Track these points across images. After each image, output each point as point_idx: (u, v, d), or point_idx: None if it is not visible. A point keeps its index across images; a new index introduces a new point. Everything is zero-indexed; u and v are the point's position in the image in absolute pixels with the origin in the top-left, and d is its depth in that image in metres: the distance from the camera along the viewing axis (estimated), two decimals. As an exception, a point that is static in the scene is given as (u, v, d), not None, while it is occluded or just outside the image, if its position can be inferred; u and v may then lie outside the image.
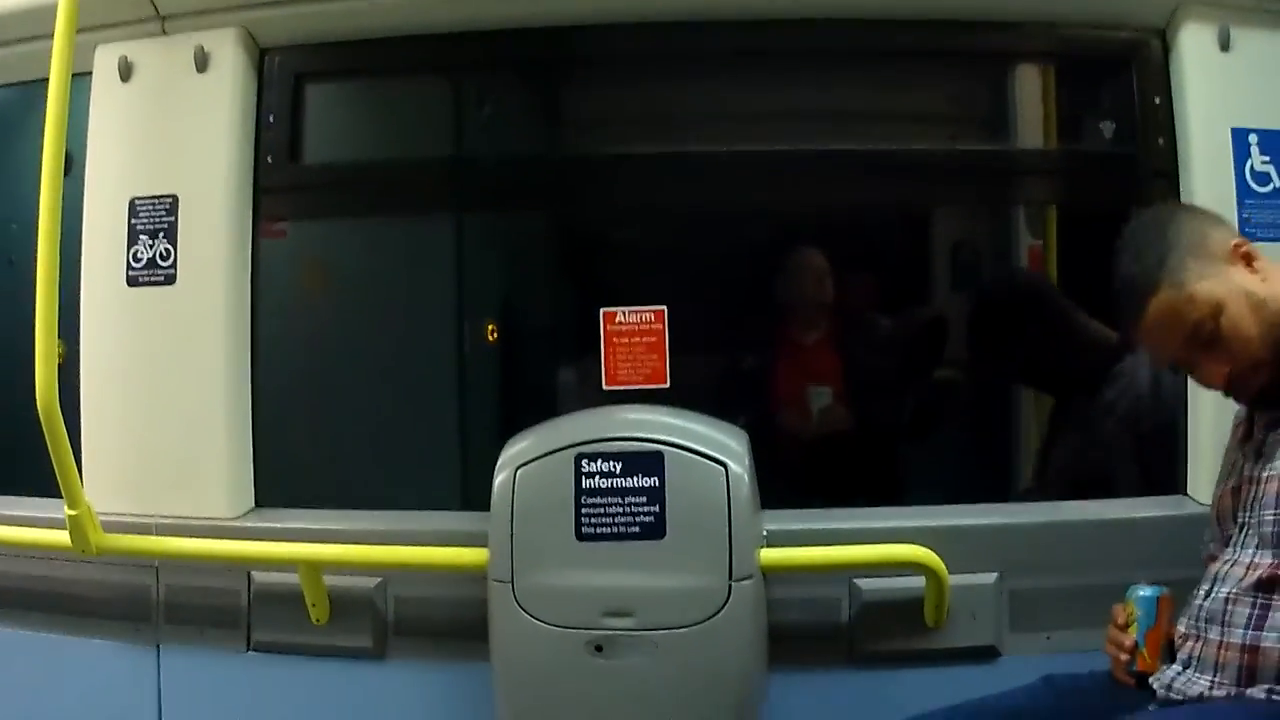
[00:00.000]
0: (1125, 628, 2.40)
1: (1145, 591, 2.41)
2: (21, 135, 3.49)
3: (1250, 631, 2.12)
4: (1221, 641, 2.17)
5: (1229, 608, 2.17)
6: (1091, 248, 3.14)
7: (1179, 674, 2.25)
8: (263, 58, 3.26)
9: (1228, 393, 2.33)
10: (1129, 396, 3.26)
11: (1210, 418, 2.95)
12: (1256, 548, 2.19)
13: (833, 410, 3.66)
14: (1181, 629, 2.31)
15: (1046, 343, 3.45)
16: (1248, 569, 2.18)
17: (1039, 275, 3.69)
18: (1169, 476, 3.15)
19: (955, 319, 3.72)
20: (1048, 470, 3.49)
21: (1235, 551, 2.25)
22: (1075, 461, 3.37)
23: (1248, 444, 2.36)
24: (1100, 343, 3.35)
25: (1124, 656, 2.38)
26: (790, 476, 3.47)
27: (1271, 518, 2.17)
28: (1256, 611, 2.13)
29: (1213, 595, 2.23)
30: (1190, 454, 3.07)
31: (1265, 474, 2.23)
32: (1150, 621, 2.38)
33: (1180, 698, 2.22)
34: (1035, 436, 3.66)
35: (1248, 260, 2.27)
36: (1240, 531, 2.27)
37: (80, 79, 3.02)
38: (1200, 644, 2.22)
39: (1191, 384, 2.99)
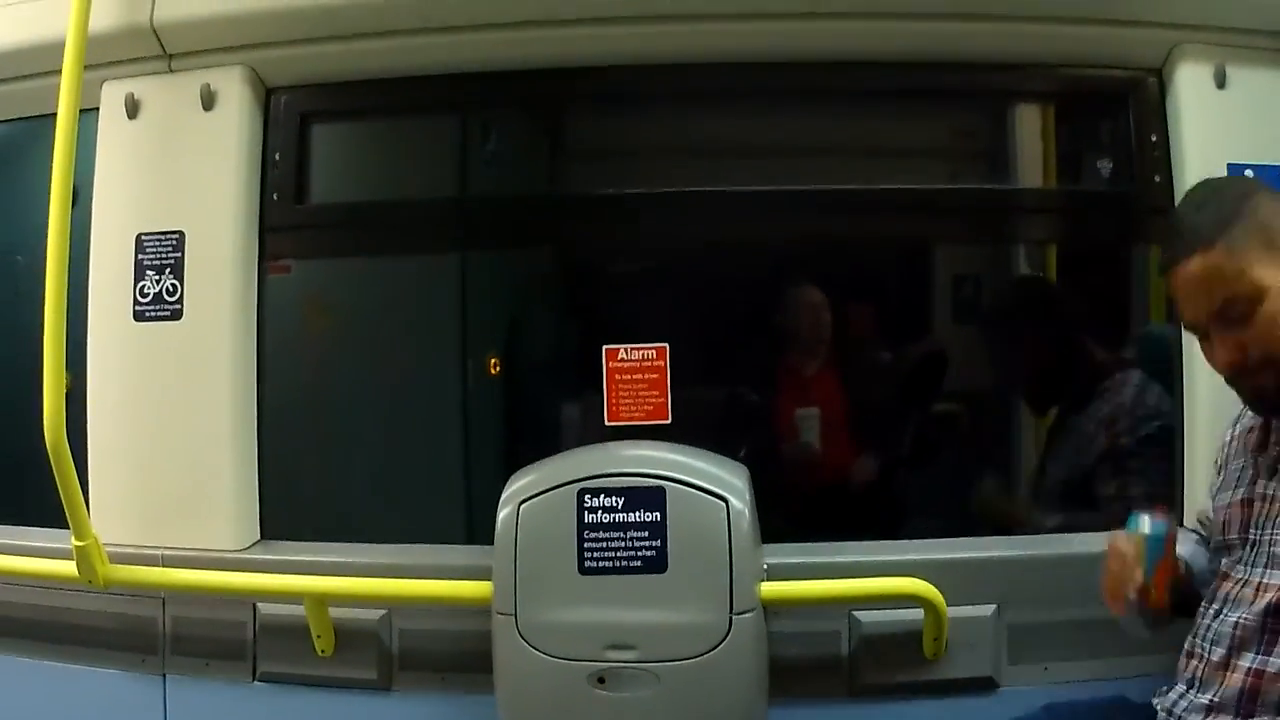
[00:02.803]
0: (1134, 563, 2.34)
1: (1155, 527, 2.33)
2: (29, 170, 3.51)
3: (1259, 657, 2.12)
4: (1227, 664, 2.17)
5: (1238, 632, 2.17)
6: (1090, 283, 3.20)
7: (1181, 695, 2.27)
8: (269, 97, 3.29)
9: (1229, 380, 2.28)
10: (1110, 406, 3.28)
11: (1206, 452, 2.89)
12: (1266, 568, 2.18)
13: (830, 441, 3.68)
14: (1185, 647, 2.31)
15: (1046, 353, 3.48)
16: (1258, 591, 2.17)
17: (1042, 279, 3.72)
18: (1158, 490, 3.12)
19: (954, 352, 3.73)
20: (1041, 491, 3.50)
21: (1245, 571, 2.24)
22: (1066, 480, 3.37)
23: (1262, 455, 2.32)
24: (1095, 361, 3.38)
25: (1134, 596, 2.31)
26: (792, 509, 3.48)
27: None
28: (1266, 637, 2.12)
29: (1221, 617, 2.23)
30: (1186, 486, 3.08)
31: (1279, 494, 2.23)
32: (1158, 556, 2.31)
33: (1181, 722, 2.25)
34: (1033, 468, 3.67)
35: None
36: (1250, 549, 2.26)
37: (87, 115, 3.06)
38: (1204, 665, 2.23)
39: (1188, 418, 3.03)
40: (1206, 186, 2.33)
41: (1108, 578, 2.39)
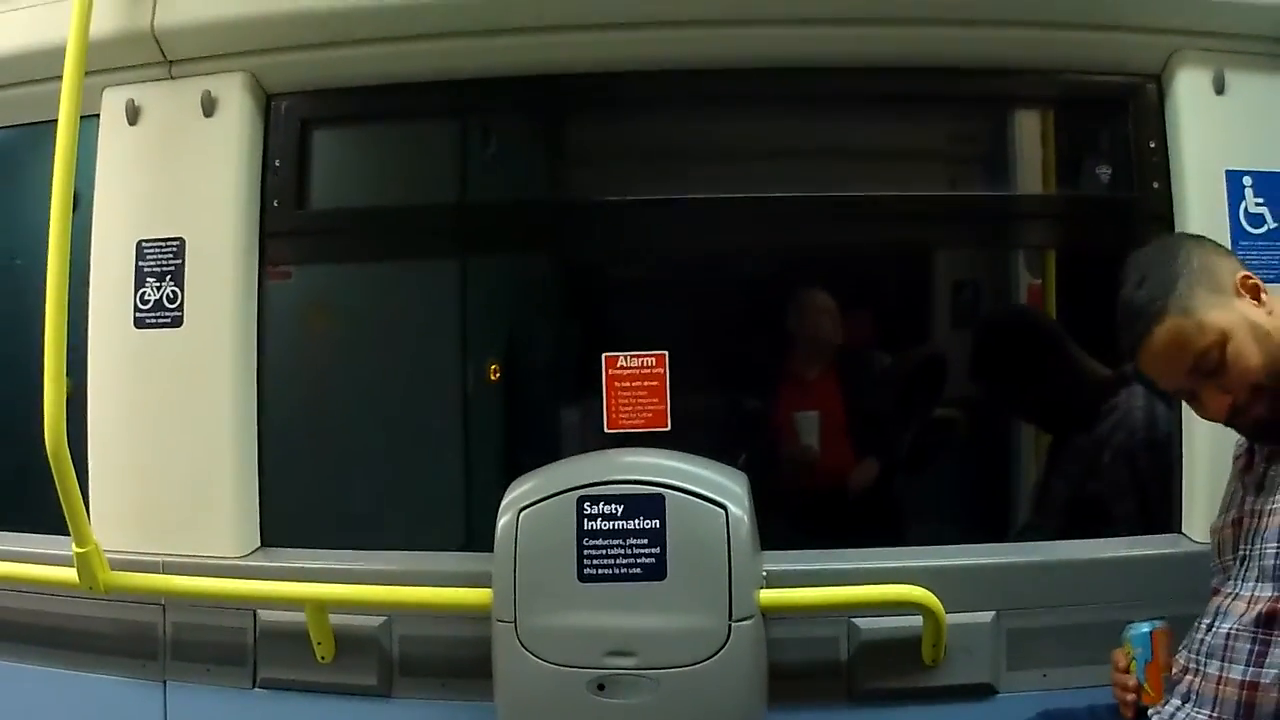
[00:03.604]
0: (1126, 670, 2.42)
1: (1138, 629, 2.44)
2: (29, 176, 3.51)
3: (1250, 668, 2.13)
4: (1221, 677, 2.18)
5: (1229, 643, 2.18)
6: (1090, 288, 3.19)
7: (1178, 709, 2.26)
8: (269, 103, 3.29)
9: (1228, 423, 2.33)
10: (1123, 430, 3.28)
11: (1205, 457, 2.98)
12: (1257, 580, 2.20)
13: (830, 448, 3.69)
14: (1181, 661, 2.32)
15: (1044, 377, 3.47)
16: (1249, 603, 2.19)
17: (1037, 310, 3.71)
18: (1164, 513, 3.16)
19: (954, 358, 3.73)
20: (1045, 506, 3.50)
21: (1236, 585, 2.26)
22: (1072, 496, 3.38)
23: (1248, 475, 2.36)
24: (1096, 379, 3.38)
25: (1130, 697, 2.40)
26: (792, 516, 3.47)
27: (1273, 551, 2.18)
28: (1257, 648, 2.14)
29: (1214, 630, 2.24)
30: (1185, 493, 3.09)
31: (1266, 508, 2.24)
32: (1148, 656, 2.40)
33: (1179, 733, 2.25)
34: (1032, 476, 3.68)
35: (1254, 293, 2.27)
36: (1240, 564, 2.28)
37: (88, 121, 3.07)
38: (1199, 679, 2.23)
39: (1186, 424, 3.04)
40: (1135, 262, 2.36)
41: (1113, 688, 2.48)
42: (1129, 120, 3.21)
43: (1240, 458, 2.45)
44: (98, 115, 3.24)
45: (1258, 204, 3.04)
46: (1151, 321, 2.24)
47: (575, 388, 3.54)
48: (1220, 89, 3.07)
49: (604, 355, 3.20)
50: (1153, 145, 3.15)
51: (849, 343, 3.76)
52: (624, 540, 2.66)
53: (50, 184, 2.84)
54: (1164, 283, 2.25)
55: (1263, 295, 2.29)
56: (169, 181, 3.20)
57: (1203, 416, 2.35)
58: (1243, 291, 2.27)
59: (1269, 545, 2.19)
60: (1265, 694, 2.11)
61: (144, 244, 3.18)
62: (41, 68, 3.19)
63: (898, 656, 2.96)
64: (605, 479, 2.72)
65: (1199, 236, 2.50)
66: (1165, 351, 2.25)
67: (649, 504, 2.68)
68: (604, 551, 2.67)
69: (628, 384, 3.18)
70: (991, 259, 3.80)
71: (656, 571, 2.65)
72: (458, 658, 3.02)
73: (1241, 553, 2.30)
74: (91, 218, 3.23)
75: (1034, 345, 3.56)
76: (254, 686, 3.14)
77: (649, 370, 3.17)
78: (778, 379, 3.79)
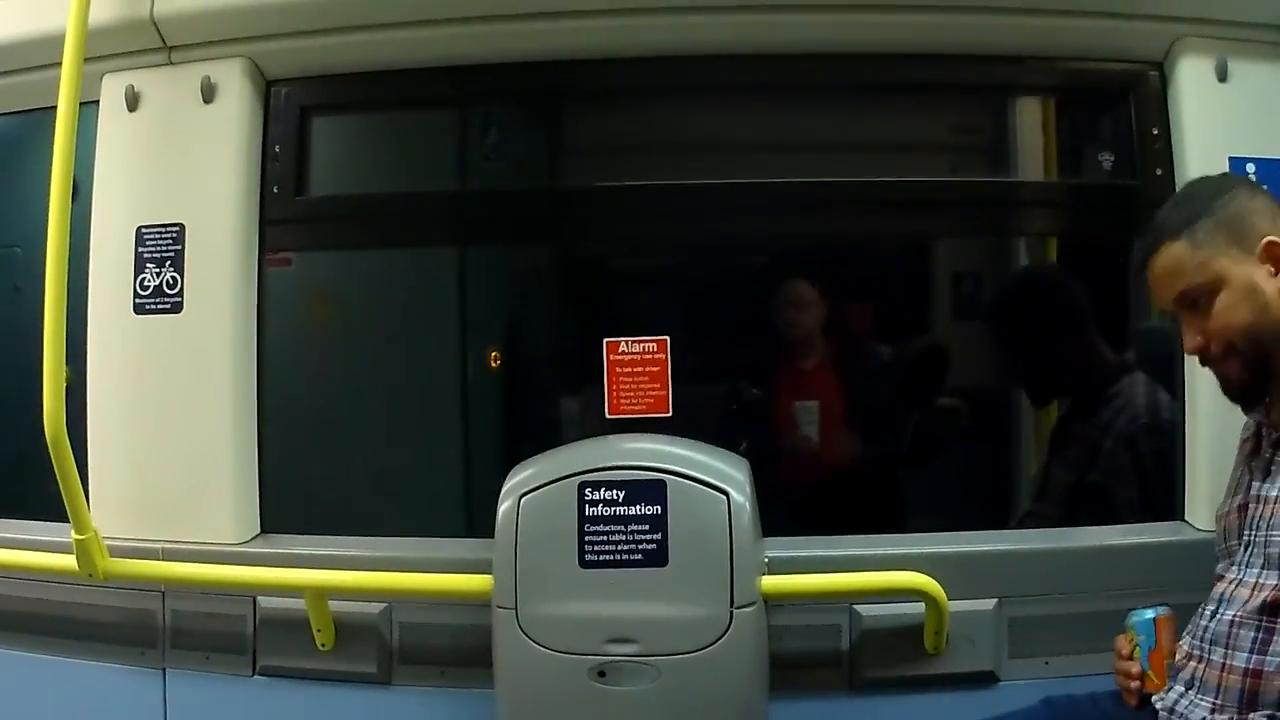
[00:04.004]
0: (1130, 656, 2.41)
1: (1142, 615, 2.43)
2: (29, 163, 3.50)
3: (1254, 655, 2.13)
4: (1224, 664, 2.17)
5: (1233, 630, 2.18)
6: (1091, 276, 3.18)
7: (1181, 695, 2.27)
8: (269, 89, 3.28)
9: (1203, 363, 2.35)
10: (1126, 417, 3.27)
11: (1208, 445, 2.98)
12: (1262, 568, 2.19)
13: (831, 435, 3.69)
14: (1185, 647, 2.32)
15: (1060, 344, 3.46)
16: (1253, 590, 2.18)
17: (1071, 279, 3.68)
18: (1167, 499, 3.15)
19: (954, 347, 3.73)
20: (1047, 493, 3.49)
21: (1240, 571, 2.25)
22: (1074, 483, 3.37)
23: (1255, 460, 2.36)
24: (1104, 363, 3.37)
25: (1133, 684, 2.39)
26: (793, 503, 3.48)
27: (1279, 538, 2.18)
28: (1261, 635, 2.13)
29: (1218, 617, 2.24)
30: (1188, 480, 3.08)
31: (1272, 494, 2.23)
32: (1151, 643, 2.39)
33: (1181, 720, 2.25)
34: (1034, 463, 3.67)
35: (1276, 261, 2.25)
36: (1245, 550, 2.27)
37: (87, 107, 3.06)
38: (1203, 666, 2.23)
39: (1189, 411, 3.04)
40: (1189, 184, 2.47)
41: (1115, 674, 2.48)
42: (1131, 108, 3.20)
43: (1248, 441, 2.44)
44: (97, 102, 3.24)
45: (1261, 191, 3.02)
46: (1160, 241, 2.32)
47: (576, 374, 3.53)
48: (1223, 76, 3.06)
49: (605, 341, 3.19)
50: (1155, 133, 3.15)
51: (850, 331, 3.76)
52: (625, 526, 2.66)
53: (50, 171, 2.82)
54: (1190, 213, 2.31)
55: None
56: (169, 168, 3.19)
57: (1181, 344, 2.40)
58: (1263, 256, 2.25)
59: (1274, 533, 2.19)
60: (1269, 681, 2.11)
61: (144, 230, 3.17)
62: (41, 54, 3.17)
63: (900, 644, 2.96)
64: (606, 464, 2.71)
65: (1256, 185, 2.50)
66: (1160, 273, 2.33)
67: (650, 490, 2.67)
68: (605, 538, 2.66)
69: (629, 369, 3.17)
70: (993, 246, 3.79)
71: (658, 558, 2.65)
72: (458, 645, 3.02)
73: (1246, 538, 2.29)
74: (91, 204, 3.22)
75: (1059, 308, 3.53)
76: (254, 674, 3.14)
77: (650, 356, 3.16)
78: (780, 365, 3.78)
